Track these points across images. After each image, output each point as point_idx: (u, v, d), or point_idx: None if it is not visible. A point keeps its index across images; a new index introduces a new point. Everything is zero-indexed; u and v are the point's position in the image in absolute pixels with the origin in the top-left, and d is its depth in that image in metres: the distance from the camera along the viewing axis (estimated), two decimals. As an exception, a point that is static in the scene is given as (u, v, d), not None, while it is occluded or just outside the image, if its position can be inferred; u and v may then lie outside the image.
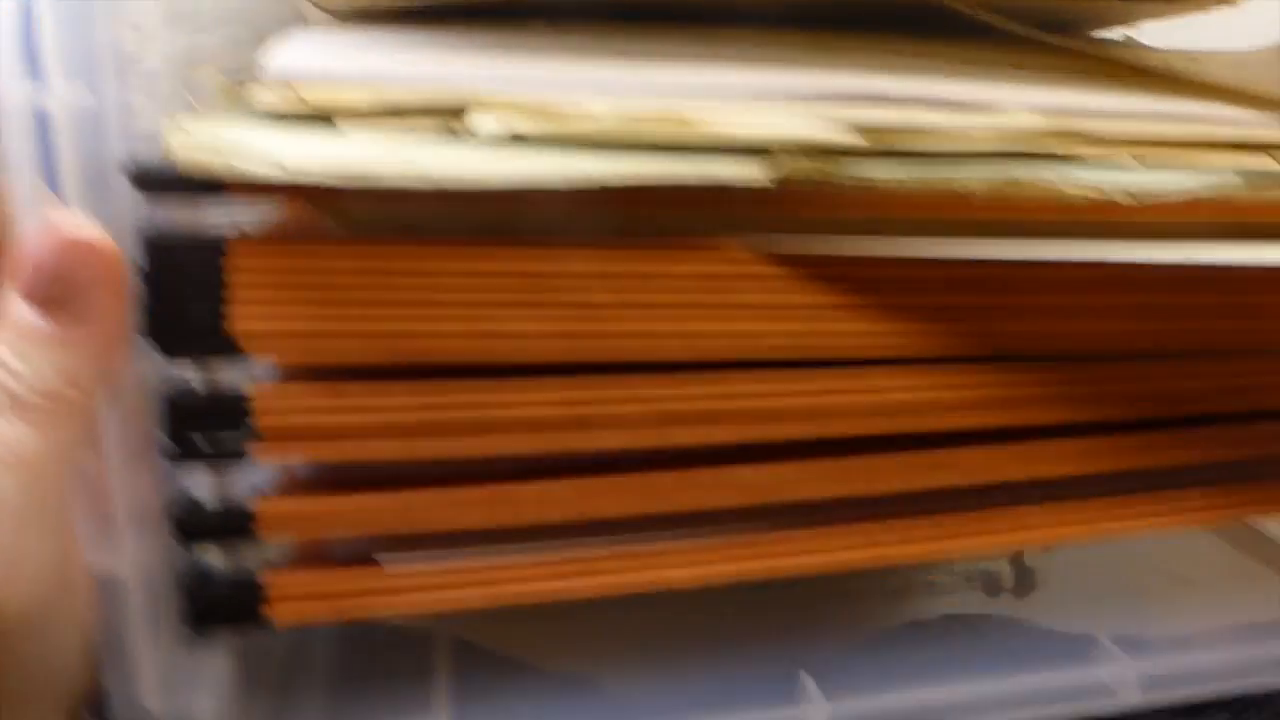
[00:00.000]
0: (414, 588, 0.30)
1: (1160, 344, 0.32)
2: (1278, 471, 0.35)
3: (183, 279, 0.26)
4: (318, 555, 0.31)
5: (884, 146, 0.25)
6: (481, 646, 0.37)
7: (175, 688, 0.29)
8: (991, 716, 0.33)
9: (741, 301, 0.29)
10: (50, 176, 0.25)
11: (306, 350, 0.27)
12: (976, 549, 0.33)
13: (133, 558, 0.28)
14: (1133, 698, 0.34)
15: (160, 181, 0.26)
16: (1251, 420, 0.34)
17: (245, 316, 0.27)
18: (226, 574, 0.30)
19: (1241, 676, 0.35)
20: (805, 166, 0.25)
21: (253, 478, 0.31)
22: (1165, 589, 0.42)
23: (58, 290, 0.23)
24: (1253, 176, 0.28)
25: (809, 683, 0.33)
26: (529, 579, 0.30)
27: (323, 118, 0.26)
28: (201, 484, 0.31)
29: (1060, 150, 0.26)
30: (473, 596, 0.30)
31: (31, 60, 0.24)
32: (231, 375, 0.28)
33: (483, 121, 0.25)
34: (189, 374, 0.29)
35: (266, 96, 0.26)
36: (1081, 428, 0.32)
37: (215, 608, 0.29)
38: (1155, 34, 0.36)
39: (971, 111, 0.26)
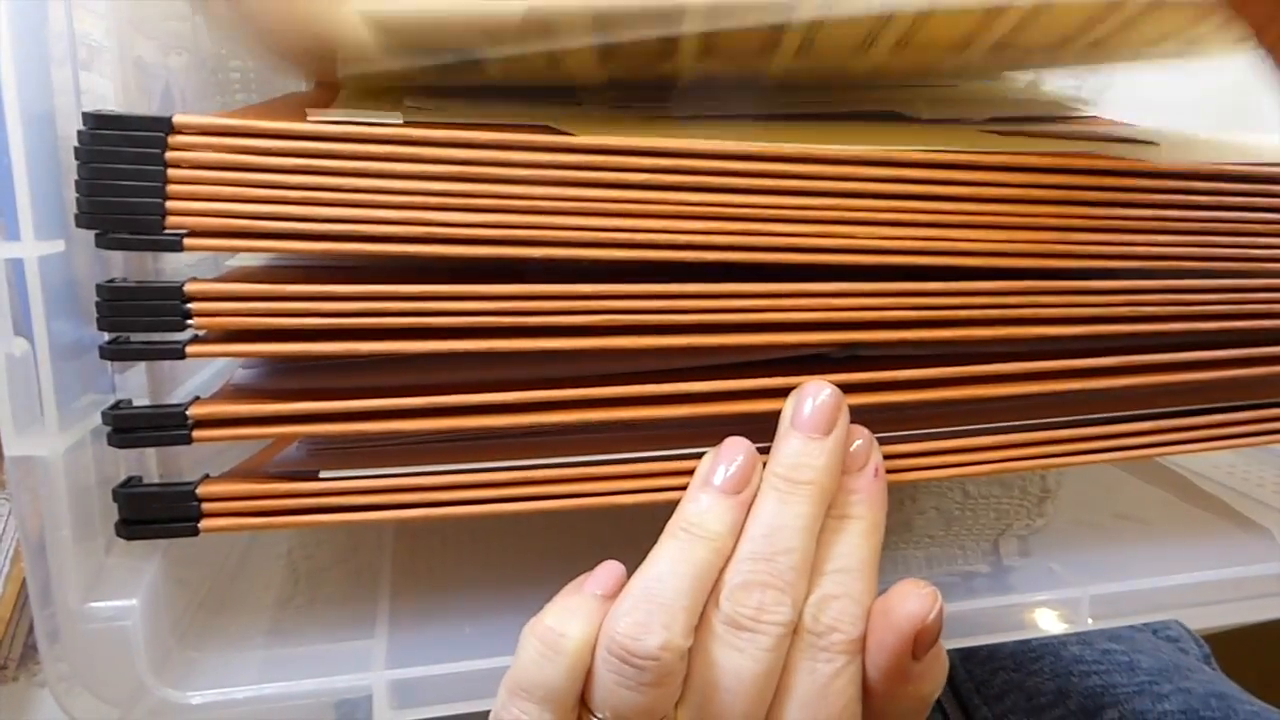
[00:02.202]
0: (349, 504, 0.29)
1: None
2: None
3: (121, 163, 0.26)
4: (253, 467, 0.31)
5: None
6: (424, 570, 0.37)
7: (103, 588, 0.29)
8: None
9: (687, 201, 0.29)
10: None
11: (244, 240, 0.27)
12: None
13: (62, 453, 0.27)
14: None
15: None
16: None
17: (183, 200, 0.26)
18: (159, 478, 0.29)
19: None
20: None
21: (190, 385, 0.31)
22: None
23: None
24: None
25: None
26: (469, 497, 0.30)
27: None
28: (139, 389, 0.30)
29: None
30: (409, 513, 0.29)
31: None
32: (168, 269, 0.28)
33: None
34: (126, 268, 0.29)
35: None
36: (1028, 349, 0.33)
37: (146, 512, 0.29)
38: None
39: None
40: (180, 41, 0.43)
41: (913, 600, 0.28)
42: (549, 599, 0.28)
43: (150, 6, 0.39)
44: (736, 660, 0.26)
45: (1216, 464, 0.46)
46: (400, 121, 0.27)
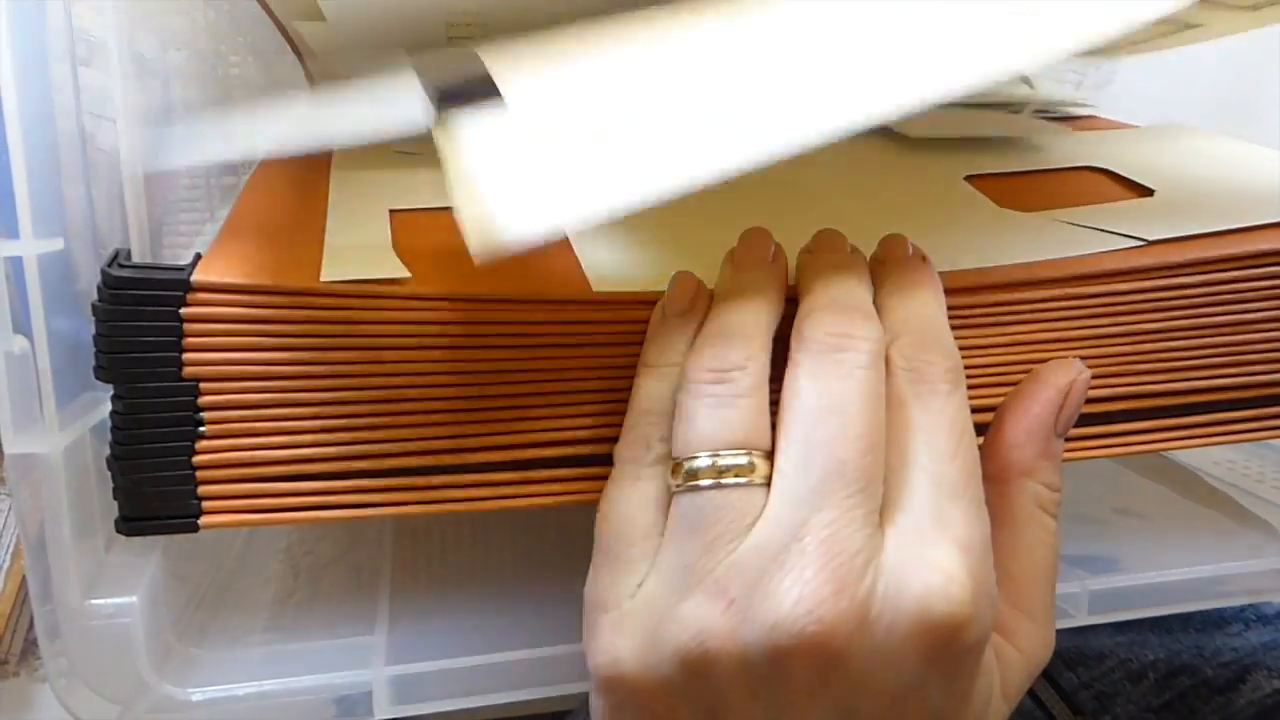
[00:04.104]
0: (349, 501, 0.29)
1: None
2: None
3: (139, 321, 0.26)
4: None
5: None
6: (424, 565, 0.37)
7: (103, 585, 0.29)
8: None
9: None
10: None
11: (260, 392, 0.27)
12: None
13: (61, 451, 0.27)
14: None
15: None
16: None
17: (200, 358, 0.26)
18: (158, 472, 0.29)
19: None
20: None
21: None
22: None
23: None
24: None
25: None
26: (469, 495, 0.30)
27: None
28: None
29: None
30: (409, 509, 0.29)
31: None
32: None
33: None
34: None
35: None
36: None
37: (146, 509, 0.28)
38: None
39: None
40: (180, 37, 0.43)
41: (1063, 365, 0.28)
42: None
43: (150, 2, 0.39)
44: (836, 385, 0.24)
45: (1217, 459, 0.46)
46: (407, 276, 0.27)
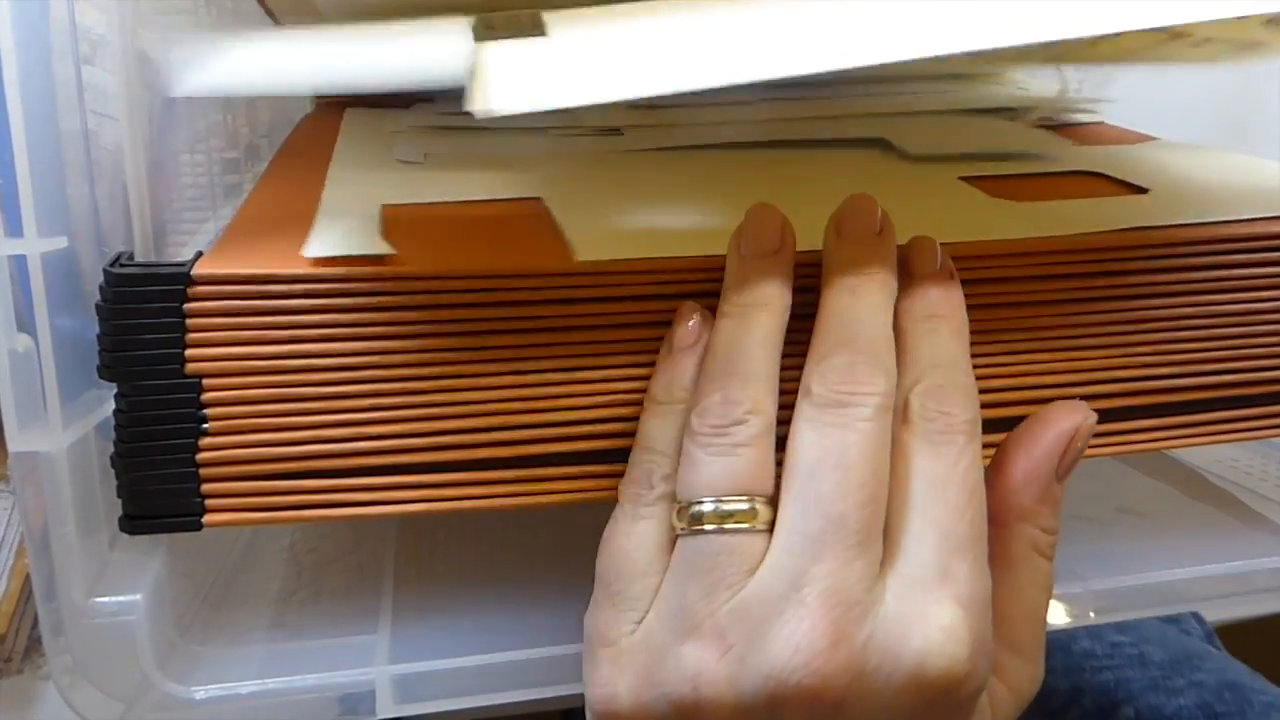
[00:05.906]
0: (353, 499, 0.29)
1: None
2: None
3: (141, 316, 0.26)
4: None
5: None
6: (428, 564, 0.37)
7: (106, 583, 0.29)
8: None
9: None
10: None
11: (262, 387, 0.27)
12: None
13: (65, 449, 0.28)
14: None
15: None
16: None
17: (202, 354, 0.26)
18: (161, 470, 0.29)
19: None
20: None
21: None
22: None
23: None
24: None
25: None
26: (474, 492, 0.30)
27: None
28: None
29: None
30: (414, 507, 0.29)
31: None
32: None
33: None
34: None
35: None
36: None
37: (149, 507, 0.28)
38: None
39: None
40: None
41: (1069, 408, 0.28)
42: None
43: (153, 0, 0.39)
44: (838, 436, 0.24)
45: (1220, 458, 0.46)
46: (391, 252, 0.27)
